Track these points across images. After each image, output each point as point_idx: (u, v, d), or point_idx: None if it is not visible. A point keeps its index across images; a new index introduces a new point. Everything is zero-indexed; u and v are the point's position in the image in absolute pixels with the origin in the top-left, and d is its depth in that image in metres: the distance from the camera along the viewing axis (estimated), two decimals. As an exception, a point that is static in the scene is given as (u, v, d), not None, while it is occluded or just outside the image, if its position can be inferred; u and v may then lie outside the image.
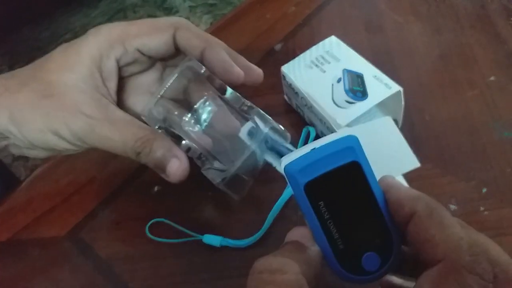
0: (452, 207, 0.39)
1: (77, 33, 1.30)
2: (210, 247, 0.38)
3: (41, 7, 1.43)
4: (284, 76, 0.44)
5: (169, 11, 1.42)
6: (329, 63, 0.43)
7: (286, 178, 0.22)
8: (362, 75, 0.41)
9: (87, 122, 0.30)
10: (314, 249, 0.22)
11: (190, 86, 0.33)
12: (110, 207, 0.42)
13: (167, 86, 0.31)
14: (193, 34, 0.33)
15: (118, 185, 0.43)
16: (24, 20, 1.43)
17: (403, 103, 0.41)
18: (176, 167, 0.30)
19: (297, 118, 0.46)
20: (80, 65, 0.30)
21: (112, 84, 0.33)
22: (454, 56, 0.51)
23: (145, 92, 0.37)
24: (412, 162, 0.34)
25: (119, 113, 0.31)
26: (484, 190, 0.40)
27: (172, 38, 0.33)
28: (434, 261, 0.19)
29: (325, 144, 0.21)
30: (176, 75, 0.31)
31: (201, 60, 0.33)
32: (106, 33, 0.32)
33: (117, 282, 0.37)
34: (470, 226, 0.20)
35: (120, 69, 0.33)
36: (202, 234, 0.38)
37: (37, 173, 0.45)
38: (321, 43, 0.45)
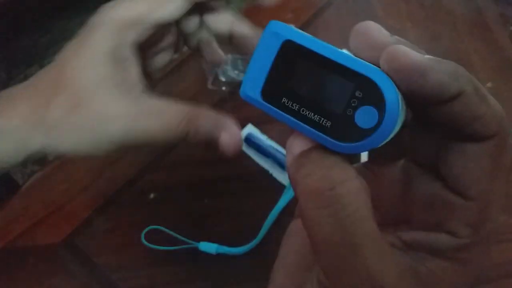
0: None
1: (76, 39, 1.31)
2: (206, 255, 0.38)
3: (39, 13, 1.43)
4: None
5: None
6: None
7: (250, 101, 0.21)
8: None
9: (123, 123, 0.28)
10: (328, 151, 0.19)
11: None
12: (105, 214, 0.42)
13: None
14: None
15: (113, 192, 0.43)
16: (22, 27, 1.43)
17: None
18: (228, 140, 0.28)
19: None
20: (98, 65, 0.28)
21: (135, 69, 0.30)
22: (451, 63, 0.51)
23: (168, 49, 0.35)
24: None
25: (153, 101, 0.29)
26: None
27: (189, 1, 0.30)
28: (485, 137, 0.18)
29: (254, 52, 0.20)
30: None
31: None
32: (111, 23, 0.29)
33: (112, 290, 0.37)
34: None
35: (138, 51, 0.31)
36: (198, 242, 0.38)
37: (33, 181, 0.44)
38: None
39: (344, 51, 0.20)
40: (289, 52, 0.19)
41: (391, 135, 0.18)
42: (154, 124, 0.28)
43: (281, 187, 0.41)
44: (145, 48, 0.32)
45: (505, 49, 0.52)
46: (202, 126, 0.28)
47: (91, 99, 0.28)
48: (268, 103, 0.20)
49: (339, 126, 0.19)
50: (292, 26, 0.20)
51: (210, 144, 0.29)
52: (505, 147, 0.19)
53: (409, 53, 0.18)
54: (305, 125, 0.20)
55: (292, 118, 0.20)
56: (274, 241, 0.38)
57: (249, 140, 0.45)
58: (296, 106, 0.20)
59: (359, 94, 0.19)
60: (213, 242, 0.38)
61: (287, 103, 0.20)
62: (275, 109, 0.20)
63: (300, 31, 0.20)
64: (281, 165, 0.43)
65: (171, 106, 0.29)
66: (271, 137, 0.45)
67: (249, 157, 0.44)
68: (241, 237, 0.38)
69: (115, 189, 0.43)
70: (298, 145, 0.20)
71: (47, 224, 0.41)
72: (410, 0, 0.59)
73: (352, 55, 0.19)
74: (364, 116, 0.18)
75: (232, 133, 0.28)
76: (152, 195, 0.42)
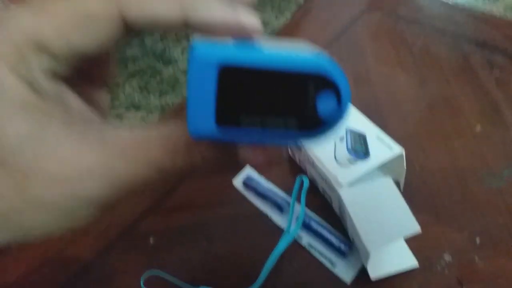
0: (447, 258, 0.39)
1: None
2: (206, 301, 0.38)
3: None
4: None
5: (168, 62, 1.46)
6: None
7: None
8: (365, 135, 0.42)
9: (94, 179, 0.20)
10: None
11: None
12: (105, 259, 0.41)
13: None
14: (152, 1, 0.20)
15: (113, 237, 0.43)
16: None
17: (405, 166, 0.41)
18: (249, 150, 0.21)
19: (297, 168, 0.47)
20: (22, 117, 0.19)
21: (75, 103, 0.21)
22: (440, 107, 0.53)
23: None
24: (413, 227, 0.35)
25: (123, 133, 0.20)
26: (478, 240, 0.40)
27: (120, 28, 0.20)
28: None
29: (188, 86, 0.19)
30: None
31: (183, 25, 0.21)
32: (8, 47, 0.18)
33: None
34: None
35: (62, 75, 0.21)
36: (198, 286, 0.38)
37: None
38: None
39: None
40: (230, 75, 0.19)
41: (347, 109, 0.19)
42: (139, 165, 0.20)
43: (279, 231, 0.42)
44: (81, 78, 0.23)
45: (491, 93, 0.54)
46: (207, 147, 0.21)
47: (39, 164, 0.19)
48: (227, 129, 0.19)
49: (306, 120, 0.19)
50: (216, 41, 0.19)
51: (225, 167, 0.22)
52: None
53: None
54: (274, 133, 0.19)
55: (256, 133, 0.19)
56: (274, 286, 0.38)
57: (247, 183, 0.45)
58: (257, 120, 0.19)
59: (312, 85, 0.19)
60: (213, 286, 0.38)
61: (247, 120, 0.19)
62: (236, 131, 0.19)
63: (227, 44, 0.19)
64: (280, 208, 0.44)
65: (153, 133, 0.21)
66: (269, 180, 0.46)
67: (247, 200, 0.44)
68: (240, 281, 0.38)
69: (114, 234, 0.43)
70: None
71: (45, 269, 0.41)
72: (399, 47, 0.62)
73: (292, 48, 0.19)
74: (324, 102, 0.19)
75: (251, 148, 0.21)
76: (152, 240, 0.42)
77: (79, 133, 0.19)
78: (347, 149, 0.41)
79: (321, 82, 0.19)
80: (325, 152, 0.41)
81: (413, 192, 0.44)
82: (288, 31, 0.67)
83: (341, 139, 0.42)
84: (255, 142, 0.20)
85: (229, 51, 0.18)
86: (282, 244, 0.40)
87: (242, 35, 0.20)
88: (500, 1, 1.57)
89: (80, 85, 0.22)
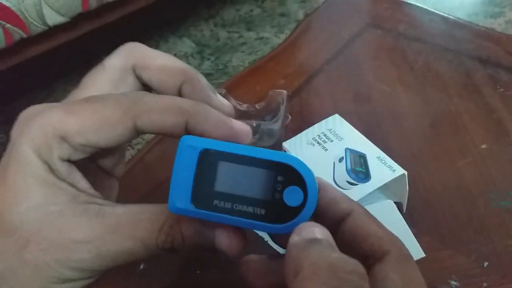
0: (453, 283, 0.37)
1: (76, 102, 1.33)
2: (198, 332, 0.35)
3: (40, 77, 1.47)
4: (285, 152, 0.44)
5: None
6: (331, 141, 0.43)
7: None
8: (365, 155, 0.41)
9: (87, 249, 0.22)
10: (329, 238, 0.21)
11: None
12: (93, 286, 0.39)
13: None
14: (162, 113, 0.23)
15: (102, 263, 0.41)
16: (23, 90, 1.46)
17: (407, 187, 0.39)
18: (226, 239, 0.23)
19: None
20: (31, 190, 0.22)
21: (82, 184, 0.24)
22: (444, 125, 0.51)
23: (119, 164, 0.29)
24: (416, 251, 0.33)
25: (119, 210, 0.24)
26: (486, 264, 0.38)
27: (130, 129, 0.23)
28: (380, 253, 0.21)
29: (174, 166, 0.22)
30: None
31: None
32: (38, 131, 0.23)
33: None
34: None
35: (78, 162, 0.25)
36: (189, 318, 0.36)
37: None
38: (324, 121, 0.45)
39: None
40: (209, 158, 0.21)
41: (315, 207, 0.21)
42: (127, 244, 0.23)
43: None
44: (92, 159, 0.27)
45: (496, 110, 0.52)
46: (188, 229, 0.23)
47: (39, 232, 0.22)
48: (201, 209, 0.21)
49: (272, 210, 0.21)
50: (204, 138, 0.22)
51: (205, 249, 0.24)
52: (409, 262, 0.21)
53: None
54: (241, 219, 0.21)
55: (228, 216, 0.21)
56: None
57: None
58: (228, 205, 0.21)
59: (281, 178, 0.21)
60: (205, 317, 0.36)
61: (219, 204, 0.21)
62: (208, 212, 0.21)
63: (214, 140, 0.22)
64: (276, 232, 0.42)
65: (143, 216, 0.23)
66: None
67: (243, 224, 0.43)
68: (234, 313, 0.36)
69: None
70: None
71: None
72: (400, 65, 0.61)
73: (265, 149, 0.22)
74: (291, 196, 0.21)
75: (229, 229, 0.23)
76: (142, 266, 0.40)
77: (81, 207, 0.23)
78: (347, 170, 0.39)
79: (289, 177, 0.21)
80: (324, 174, 0.40)
81: (416, 214, 0.42)
82: (287, 49, 0.66)
83: (340, 160, 0.41)
84: (227, 223, 0.22)
85: (212, 141, 0.22)
86: (279, 271, 0.38)
87: (234, 140, 0.23)
88: (501, 16, 1.57)
89: (94, 171, 0.27)
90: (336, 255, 0.19)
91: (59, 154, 0.23)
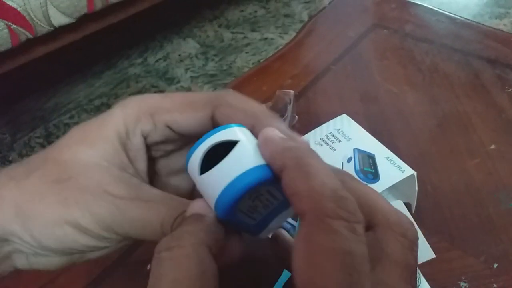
0: (463, 284, 0.36)
1: (81, 102, 1.33)
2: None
3: (45, 77, 1.47)
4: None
5: (171, 81, 1.46)
6: (339, 141, 0.42)
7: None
8: (374, 156, 0.40)
9: (115, 203, 0.24)
10: (211, 216, 0.21)
11: None
12: (100, 287, 0.39)
13: None
14: (237, 110, 0.26)
15: (109, 264, 0.41)
16: (28, 90, 1.47)
17: (417, 187, 0.39)
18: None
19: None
20: (103, 141, 0.25)
21: (141, 165, 0.27)
22: (452, 125, 0.51)
23: (178, 173, 0.31)
24: (427, 253, 0.33)
25: (155, 191, 0.26)
26: (495, 265, 0.38)
27: (209, 117, 0.26)
28: (302, 216, 0.18)
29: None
30: None
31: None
32: (135, 105, 0.27)
33: None
34: (351, 175, 0.21)
35: (149, 148, 0.28)
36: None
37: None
38: (332, 120, 0.44)
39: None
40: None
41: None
42: (150, 214, 0.24)
43: (279, 271, 0.40)
44: (163, 151, 0.29)
45: (505, 110, 0.52)
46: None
47: (83, 173, 0.25)
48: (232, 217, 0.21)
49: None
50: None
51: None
52: (316, 225, 0.17)
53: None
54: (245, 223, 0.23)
55: (246, 218, 0.22)
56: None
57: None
58: (247, 209, 0.22)
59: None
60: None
61: (242, 211, 0.22)
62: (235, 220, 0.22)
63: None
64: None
65: (174, 199, 0.25)
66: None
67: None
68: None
69: (110, 261, 0.41)
70: (194, 209, 0.22)
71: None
72: (407, 65, 0.60)
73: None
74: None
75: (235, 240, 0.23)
76: (149, 267, 0.40)
77: (124, 181, 0.25)
78: (355, 170, 0.39)
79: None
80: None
81: (425, 214, 0.42)
82: (294, 49, 0.66)
83: (349, 160, 0.40)
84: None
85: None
86: (285, 277, 0.38)
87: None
88: (506, 17, 1.56)
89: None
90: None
91: (142, 128, 0.26)
